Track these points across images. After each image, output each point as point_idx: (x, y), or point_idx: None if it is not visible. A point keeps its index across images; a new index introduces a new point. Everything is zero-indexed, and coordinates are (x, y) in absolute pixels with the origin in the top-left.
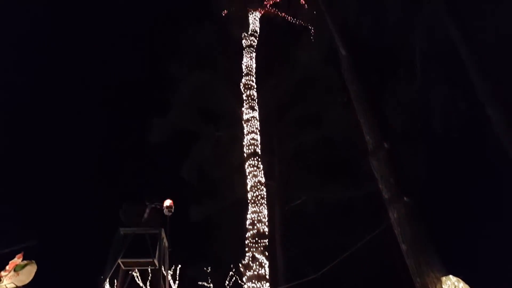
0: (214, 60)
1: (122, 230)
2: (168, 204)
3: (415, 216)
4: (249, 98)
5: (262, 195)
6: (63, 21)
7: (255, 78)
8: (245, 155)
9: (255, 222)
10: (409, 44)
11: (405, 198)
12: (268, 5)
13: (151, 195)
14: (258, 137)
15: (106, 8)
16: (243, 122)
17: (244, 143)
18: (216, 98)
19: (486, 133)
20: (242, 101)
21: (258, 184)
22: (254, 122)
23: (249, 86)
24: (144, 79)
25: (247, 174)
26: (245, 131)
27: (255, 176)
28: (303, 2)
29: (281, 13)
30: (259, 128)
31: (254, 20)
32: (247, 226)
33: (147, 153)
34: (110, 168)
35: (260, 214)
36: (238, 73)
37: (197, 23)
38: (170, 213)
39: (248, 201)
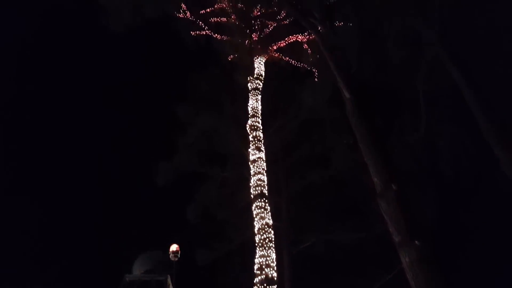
0: (220, 103)
1: (128, 277)
2: (174, 249)
3: (428, 260)
4: (255, 139)
5: (270, 238)
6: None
7: (261, 119)
8: (252, 196)
9: (263, 266)
10: (412, 86)
11: (416, 242)
12: (272, 50)
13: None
14: (265, 178)
15: (114, 53)
16: (249, 163)
17: (251, 184)
18: (222, 140)
19: (495, 173)
20: (248, 142)
21: (266, 226)
22: (260, 163)
23: (255, 127)
24: (151, 123)
25: (254, 216)
26: (252, 172)
27: (263, 218)
28: (306, 47)
29: (285, 57)
30: (265, 169)
31: (259, 64)
32: (255, 271)
33: (153, 197)
34: (115, 212)
35: (268, 258)
36: (244, 115)
37: (203, 68)
38: (176, 259)
39: (256, 244)
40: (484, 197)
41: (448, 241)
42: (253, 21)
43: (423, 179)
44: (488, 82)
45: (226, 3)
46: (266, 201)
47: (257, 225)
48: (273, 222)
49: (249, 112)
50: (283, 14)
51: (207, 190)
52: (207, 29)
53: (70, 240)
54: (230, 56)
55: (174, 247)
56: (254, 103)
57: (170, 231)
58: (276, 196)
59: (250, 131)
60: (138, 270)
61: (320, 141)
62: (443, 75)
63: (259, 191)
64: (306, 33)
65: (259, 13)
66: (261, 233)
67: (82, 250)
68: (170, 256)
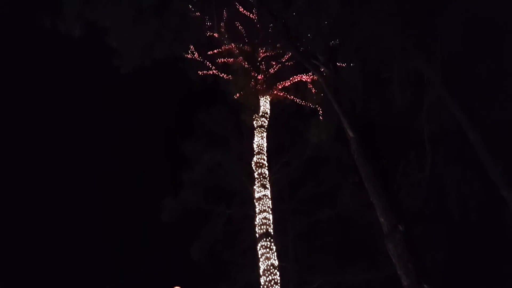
0: (226, 140)
1: None
2: None
3: None
4: (261, 176)
5: (276, 280)
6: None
7: (266, 156)
8: (257, 235)
9: None
10: (417, 126)
11: (425, 286)
12: (277, 89)
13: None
14: (270, 216)
15: (120, 91)
16: (254, 200)
17: (256, 223)
18: (228, 177)
19: (503, 213)
20: (253, 179)
21: (271, 267)
22: (266, 200)
23: (261, 164)
24: (156, 160)
25: (259, 256)
26: (257, 210)
27: (268, 258)
28: (311, 86)
29: (290, 96)
30: (271, 207)
31: (264, 102)
32: None
33: (157, 234)
34: (117, 248)
35: None
36: (250, 153)
37: (210, 106)
38: None
39: (261, 286)
40: (494, 238)
41: (458, 284)
42: (258, 63)
43: (431, 219)
44: (493, 122)
45: (233, 45)
46: (272, 240)
47: (262, 266)
48: (279, 262)
49: (255, 149)
50: (287, 55)
51: (212, 228)
52: (214, 69)
53: (71, 281)
54: (236, 94)
55: None
56: (260, 140)
57: (173, 270)
58: (281, 235)
59: (255, 168)
60: None
61: (326, 179)
62: (448, 115)
63: (264, 230)
64: (310, 73)
65: (264, 54)
66: (267, 275)
67: None
68: None
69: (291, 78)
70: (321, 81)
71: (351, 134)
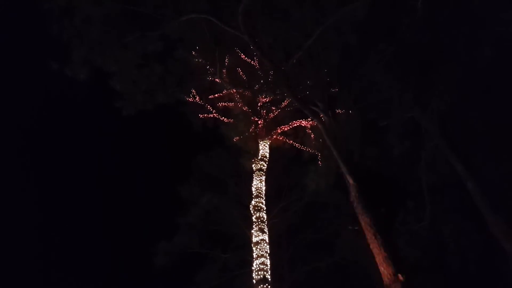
0: (224, 183)
1: None
2: None
3: None
4: (259, 220)
5: None
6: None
7: (264, 200)
8: (254, 281)
9: None
10: (415, 175)
11: None
12: (276, 134)
13: None
14: (268, 261)
15: (119, 134)
16: (252, 245)
17: (253, 268)
18: (225, 220)
19: (503, 265)
20: (251, 223)
21: None
22: (264, 245)
23: (259, 208)
24: (153, 203)
25: None
26: (254, 255)
27: None
28: (310, 132)
29: (289, 140)
30: (268, 252)
31: (263, 146)
32: None
33: (151, 279)
34: None
35: None
36: (248, 196)
37: (209, 149)
38: None
39: None
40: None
41: None
42: (258, 107)
43: (430, 270)
44: (492, 172)
45: (234, 90)
46: (269, 287)
47: None
48: None
49: (253, 192)
50: (287, 101)
51: (207, 273)
52: (214, 113)
53: None
54: (235, 138)
55: None
56: (258, 183)
57: None
58: (279, 282)
59: (253, 212)
60: None
61: (325, 226)
62: (445, 165)
63: (261, 276)
64: (309, 119)
65: (265, 100)
66: None
67: None
68: None
69: (290, 123)
70: (320, 128)
71: (350, 181)
